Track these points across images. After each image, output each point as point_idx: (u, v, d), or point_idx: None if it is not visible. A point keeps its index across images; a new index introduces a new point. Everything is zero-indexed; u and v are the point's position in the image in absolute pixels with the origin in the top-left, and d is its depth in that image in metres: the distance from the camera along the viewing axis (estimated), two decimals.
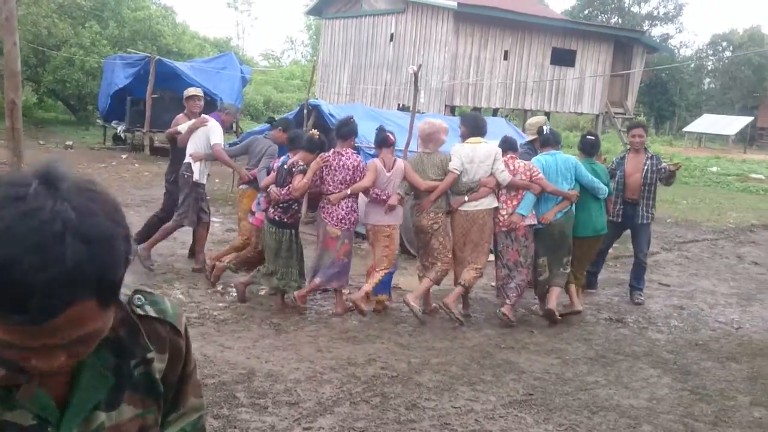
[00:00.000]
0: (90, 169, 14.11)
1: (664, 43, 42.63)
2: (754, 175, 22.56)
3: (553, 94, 21.43)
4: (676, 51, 47.04)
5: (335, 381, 4.72)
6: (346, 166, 6.04)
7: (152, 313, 1.19)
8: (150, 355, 1.16)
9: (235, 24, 74.43)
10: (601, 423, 4.41)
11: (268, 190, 6.16)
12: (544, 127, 6.84)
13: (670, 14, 47.57)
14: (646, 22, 46.89)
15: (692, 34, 62.77)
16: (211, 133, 7.06)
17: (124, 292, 1.14)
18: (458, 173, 6.10)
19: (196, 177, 7.07)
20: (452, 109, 20.22)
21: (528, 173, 6.18)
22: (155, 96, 17.25)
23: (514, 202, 6.18)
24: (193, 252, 7.63)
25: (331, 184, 6.08)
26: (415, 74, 9.70)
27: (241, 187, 7.22)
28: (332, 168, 6.04)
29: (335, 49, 23.93)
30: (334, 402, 4.38)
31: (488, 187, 6.12)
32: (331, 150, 6.18)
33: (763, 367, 5.64)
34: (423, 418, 4.27)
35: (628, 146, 7.55)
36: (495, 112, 21.85)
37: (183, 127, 7.24)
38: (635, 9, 47.66)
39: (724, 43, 47.95)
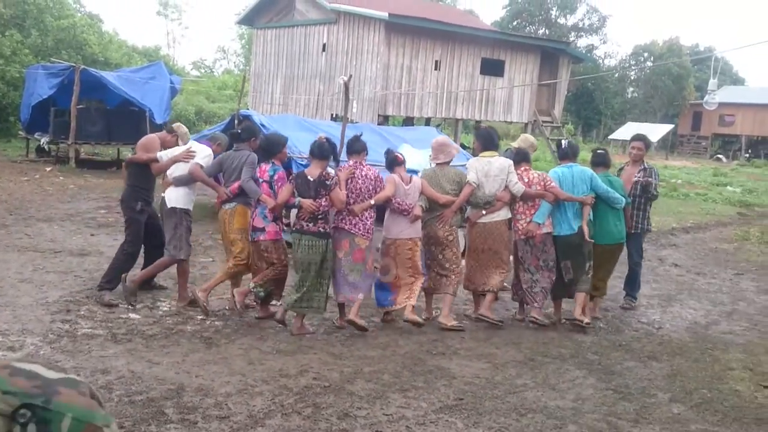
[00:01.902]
0: (12, 182, 13.61)
1: (589, 53, 44.03)
2: (674, 180, 23.50)
3: (483, 103, 21.86)
4: (600, 61, 48.64)
5: (267, 393, 4.69)
6: (368, 177, 6.10)
7: None
8: None
9: (166, 33, 72.97)
10: (529, 425, 4.52)
11: (296, 203, 5.93)
12: (563, 141, 7.21)
13: (595, 26, 49.14)
14: (572, 33, 48.31)
15: (616, 45, 64.83)
16: (197, 156, 6.45)
17: (9, 402, 1.02)
18: (475, 186, 6.34)
19: (181, 205, 6.45)
20: (385, 118, 20.38)
21: (542, 183, 6.47)
22: (80, 107, 16.78)
23: (532, 212, 6.48)
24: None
25: (353, 193, 6.06)
26: (346, 84, 9.76)
27: (226, 206, 6.36)
28: (354, 178, 6.08)
29: (267, 59, 23.80)
30: (265, 414, 4.36)
31: (503, 201, 6.38)
32: (351, 161, 6.22)
33: (681, 365, 5.89)
34: (355, 427, 4.29)
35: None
36: (427, 122, 22.14)
37: (164, 155, 6.52)
38: (562, 21, 49.07)
39: (646, 54, 49.78)
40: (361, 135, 6.43)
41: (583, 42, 48.51)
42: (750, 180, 25.51)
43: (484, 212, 6.39)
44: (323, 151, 6.01)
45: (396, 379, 5.12)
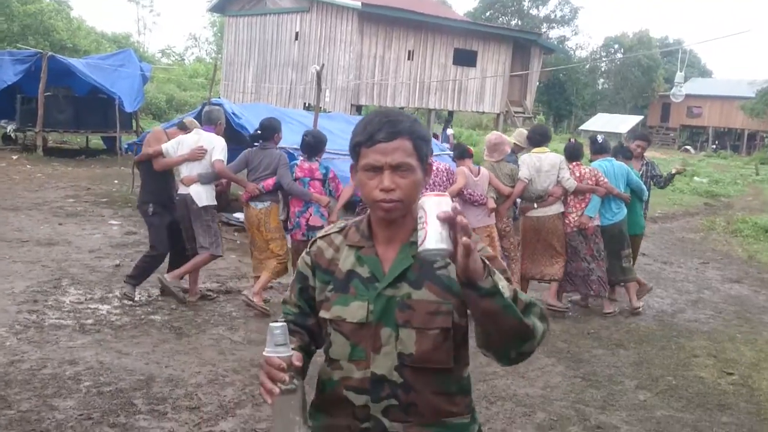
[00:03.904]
0: None
1: (561, 44, 44.34)
2: None
3: (456, 93, 21.94)
4: (572, 52, 49.02)
5: (238, 383, 4.68)
6: (440, 170, 6.41)
7: None
8: (448, 261, 1.65)
9: (136, 20, 71.82)
10: (498, 412, 4.58)
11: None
12: (598, 136, 7.49)
13: (567, 17, 49.51)
14: (544, 24, 48.61)
15: (587, 36, 65.71)
16: (214, 150, 6.08)
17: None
18: (527, 182, 6.59)
19: (204, 203, 6.12)
20: (358, 108, 20.35)
21: (593, 178, 6.72)
22: (48, 94, 16.48)
23: (582, 205, 6.74)
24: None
25: (426, 188, 6.26)
26: (318, 73, 9.72)
27: (258, 205, 6.17)
28: (434, 171, 6.30)
29: (239, 47, 23.59)
30: (236, 404, 4.35)
31: (555, 196, 6.62)
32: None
33: (648, 353, 6.00)
34: None
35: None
36: None
37: (170, 147, 6.14)
38: (534, 12, 49.32)
39: (616, 46, 50.30)
40: (433, 135, 6.73)
41: (554, 33, 48.86)
42: (716, 171, 25.96)
43: (535, 205, 6.65)
44: None
45: None
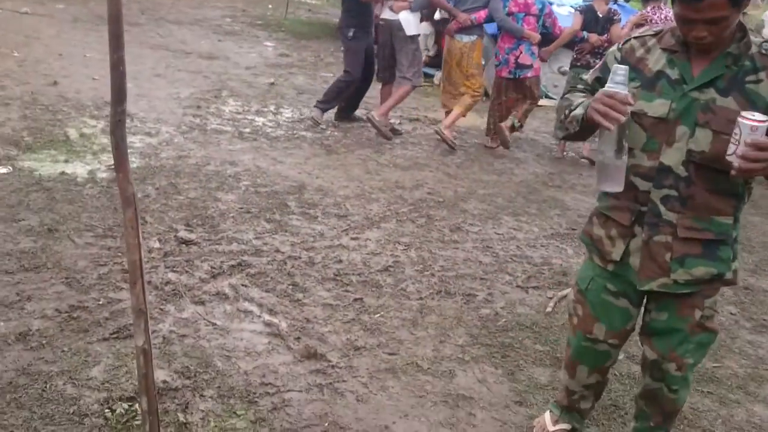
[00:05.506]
0: None
1: None
2: None
3: None
4: None
5: (383, 200, 4.83)
6: (669, 19, 6.10)
7: None
8: (760, 76, 1.86)
9: None
10: None
11: (584, 37, 6.11)
12: None
13: None
14: None
15: None
16: None
17: (758, 42, 1.89)
18: None
19: (412, 31, 6.07)
20: None
21: None
22: None
23: None
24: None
25: None
26: None
27: (464, 38, 6.05)
28: (652, 22, 6.11)
29: None
30: (381, 218, 4.51)
31: None
32: (650, 6, 6.26)
33: None
34: (466, 240, 4.39)
35: None
36: None
37: None
38: None
39: None
40: None
41: None
42: None
43: None
44: None
45: (509, 204, 5.14)
